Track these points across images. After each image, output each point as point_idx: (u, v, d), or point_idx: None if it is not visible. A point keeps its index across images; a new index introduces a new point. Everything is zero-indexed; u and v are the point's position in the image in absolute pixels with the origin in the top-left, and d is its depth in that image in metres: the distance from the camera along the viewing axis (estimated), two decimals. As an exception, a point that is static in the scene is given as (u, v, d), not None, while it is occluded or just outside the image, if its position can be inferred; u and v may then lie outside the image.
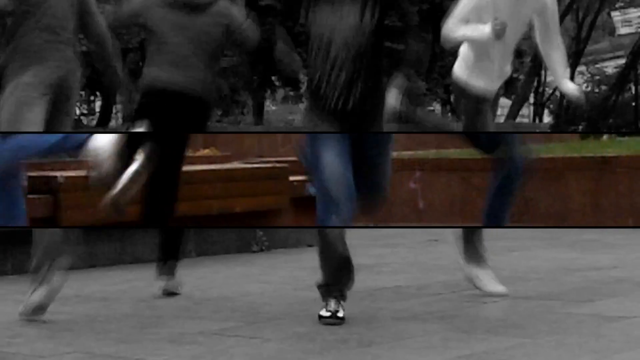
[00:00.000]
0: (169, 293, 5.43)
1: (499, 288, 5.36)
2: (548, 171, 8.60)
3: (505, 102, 35.46)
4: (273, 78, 17.21)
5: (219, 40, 5.35)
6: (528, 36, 5.88)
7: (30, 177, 5.07)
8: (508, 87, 33.38)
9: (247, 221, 6.60)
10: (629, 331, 4.27)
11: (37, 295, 4.61)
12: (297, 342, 4.07)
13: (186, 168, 6.63)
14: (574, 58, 33.32)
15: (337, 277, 4.64)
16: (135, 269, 6.59)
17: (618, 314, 4.71)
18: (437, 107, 33.40)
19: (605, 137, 12.99)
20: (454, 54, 5.50)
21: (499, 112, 34.44)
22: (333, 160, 4.37)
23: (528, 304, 5.04)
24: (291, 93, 20.99)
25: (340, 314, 4.53)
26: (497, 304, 5.06)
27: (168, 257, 5.49)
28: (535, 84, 32.98)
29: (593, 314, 4.71)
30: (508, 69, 5.53)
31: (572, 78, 34.06)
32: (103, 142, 4.11)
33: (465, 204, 8.84)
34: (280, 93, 21.95)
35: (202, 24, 5.29)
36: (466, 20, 5.22)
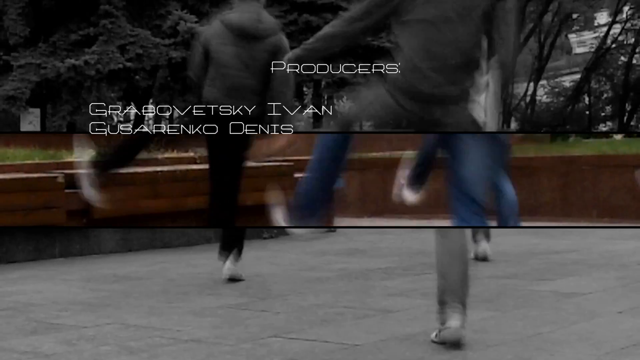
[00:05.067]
0: (233, 279, 5.11)
1: None
2: (521, 169, 8.59)
3: (478, 111, 35.44)
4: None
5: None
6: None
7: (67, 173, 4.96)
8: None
9: (257, 214, 6.56)
10: (583, 305, 4.26)
11: None
12: (302, 314, 4.07)
13: (201, 167, 6.64)
14: (537, 74, 33.33)
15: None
16: (164, 252, 6.58)
17: (574, 290, 4.71)
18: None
19: (571, 138, 12.98)
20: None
21: (473, 119, 34.44)
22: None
23: (498, 282, 5.04)
24: (296, 103, 20.97)
25: None
26: (471, 282, 5.04)
27: (230, 247, 5.15)
28: (503, 94, 32.93)
29: (553, 290, 4.71)
30: None
31: (534, 91, 34.12)
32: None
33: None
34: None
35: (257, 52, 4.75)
36: None
